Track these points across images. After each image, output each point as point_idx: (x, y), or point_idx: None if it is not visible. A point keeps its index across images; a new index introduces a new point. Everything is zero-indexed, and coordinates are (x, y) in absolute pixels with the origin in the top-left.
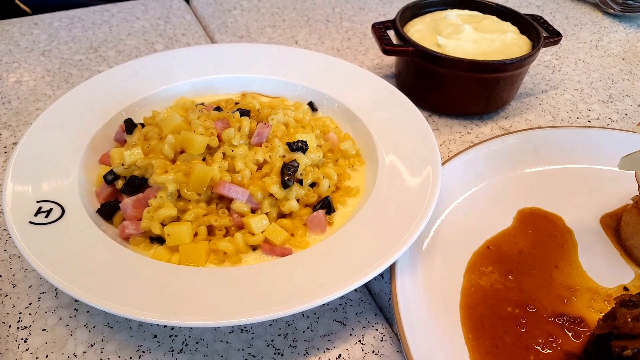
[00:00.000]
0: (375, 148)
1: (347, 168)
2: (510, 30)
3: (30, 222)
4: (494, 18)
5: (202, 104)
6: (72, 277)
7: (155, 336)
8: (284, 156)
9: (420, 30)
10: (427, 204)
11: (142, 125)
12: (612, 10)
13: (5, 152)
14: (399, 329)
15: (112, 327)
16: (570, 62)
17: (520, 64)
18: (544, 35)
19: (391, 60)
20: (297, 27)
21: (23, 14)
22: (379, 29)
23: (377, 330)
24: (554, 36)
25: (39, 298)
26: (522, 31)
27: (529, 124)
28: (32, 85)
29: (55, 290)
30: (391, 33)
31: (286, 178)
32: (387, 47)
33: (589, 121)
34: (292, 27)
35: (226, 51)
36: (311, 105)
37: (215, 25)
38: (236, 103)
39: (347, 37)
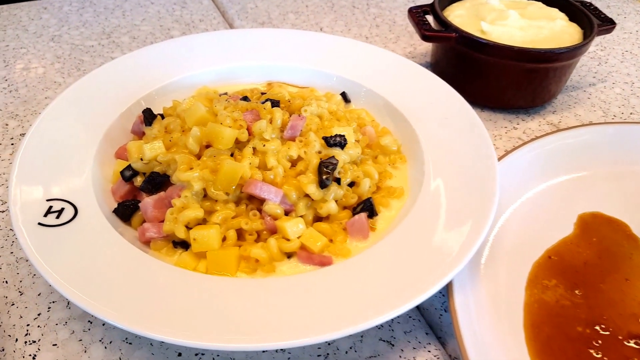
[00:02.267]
0: (418, 143)
1: (387, 166)
2: (559, 17)
3: (40, 224)
4: (539, 4)
5: (226, 93)
6: (85, 288)
7: (180, 354)
8: (319, 152)
9: (461, 16)
10: (487, 209)
11: (162, 116)
12: None
13: (12, 144)
14: (462, 353)
15: (130, 343)
16: (617, 54)
17: (573, 53)
18: (597, 22)
19: (425, 48)
20: (322, 13)
21: None
22: (417, 14)
23: (429, 352)
24: (607, 24)
25: (49, 308)
26: (571, 18)
27: (579, 119)
28: (41, 72)
29: (67, 299)
30: (429, 19)
31: (324, 177)
32: (427, 33)
33: None
34: (316, 13)
35: (250, 37)
36: (344, 96)
37: (235, 10)
38: (262, 93)
39: (376, 24)
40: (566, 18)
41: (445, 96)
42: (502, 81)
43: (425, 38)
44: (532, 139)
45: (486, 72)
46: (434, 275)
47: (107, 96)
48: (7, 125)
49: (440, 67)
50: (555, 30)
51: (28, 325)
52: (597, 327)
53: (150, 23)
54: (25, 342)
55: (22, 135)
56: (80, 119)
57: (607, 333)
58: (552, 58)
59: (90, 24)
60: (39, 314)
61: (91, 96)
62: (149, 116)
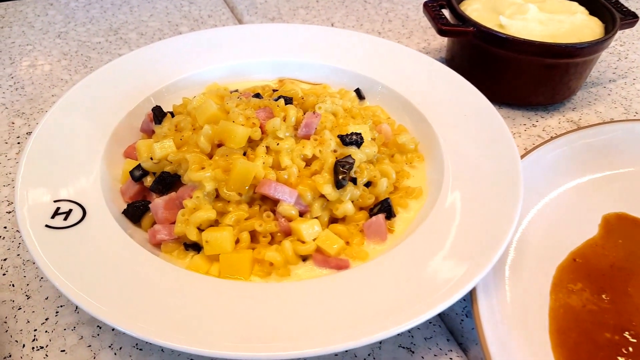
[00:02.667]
0: (436, 141)
1: (404, 165)
2: (579, 11)
3: (47, 226)
4: None
5: (236, 90)
6: (94, 292)
7: None
8: (335, 151)
9: (478, 10)
10: (511, 211)
11: (172, 114)
12: None
13: (19, 143)
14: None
15: (141, 350)
16: (637, 49)
17: (596, 47)
18: (619, 16)
19: (439, 44)
20: (333, 8)
21: None
22: (433, 8)
23: (450, 359)
24: (630, 17)
25: (57, 312)
26: (591, 12)
27: (599, 116)
28: (47, 69)
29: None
30: (445, 13)
31: (340, 177)
32: (443, 27)
33: None
34: (327, 8)
35: (261, 32)
36: (358, 92)
37: (244, 6)
38: (274, 90)
39: (388, 19)
40: (586, 12)
41: (464, 93)
42: (521, 77)
43: (441, 32)
44: (553, 137)
45: (505, 67)
46: (458, 280)
47: (115, 94)
48: (13, 123)
49: (456, 62)
50: (575, 24)
51: (35, 330)
52: (626, 334)
53: (158, 19)
54: (33, 347)
55: (29, 133)
56: (88, 117)
57: (637, 340)
58: (574, 53)
59: (97, 20)
60: (46, 319)
61: (99, 94)
62: (158, 114)
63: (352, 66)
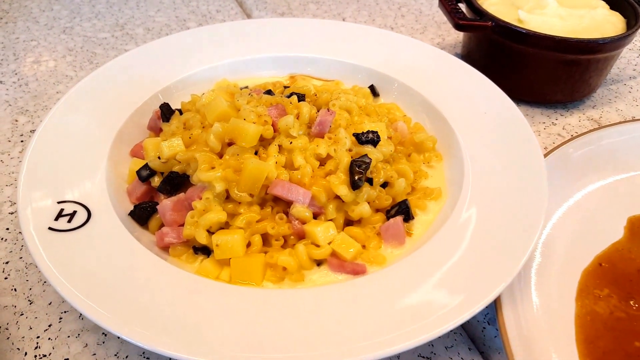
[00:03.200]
0: (455, 140)
1: (421, 164)
2: (600, 6)
3: (50, 229)
4: None
5: (247, 87)
6: (99, 298)
7: None
8: (350, 150)
9: (496, 4)
10: (536, 214)
11: (180, 111)
12: None
13: (22, 142)
14: None
15: (148, 358)
16: None
17: (619, 43)
18: None
19: (454, 39)
20: (344, 3)
21: None
22: (449, 1)
23: None
24: None
25: (60, 318)
26: (612, 6)
27: (620, 114)
28: (52, 65)
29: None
30: (462, 7)
31: (357, 177)
32: (461, 22)
33: None
34: (338, 3)
35: (271, 27)
36: (372, 89)
37: (253, 0)
38: (285, 87)
39: (401, 14)
40: (607, 7)
41: (483, 89)
42: (540, 74)
43: (458, 27)
44: (575, 137)
45: (524, 63)
46: (482, 288)
47: (121, 90)
48: (16, 121)
49: (472, 59)
50: (596, 19)
51: (38, 337)
52: None
53: (166, 14)
54: (35, 356)
55: (32, 131)
56: (93, 114)
57: None
58: (596, 49)
59: (103, 15)
60: (49, 325)
61: (104, 90)
62: (166, 111)
63: (366, 62)
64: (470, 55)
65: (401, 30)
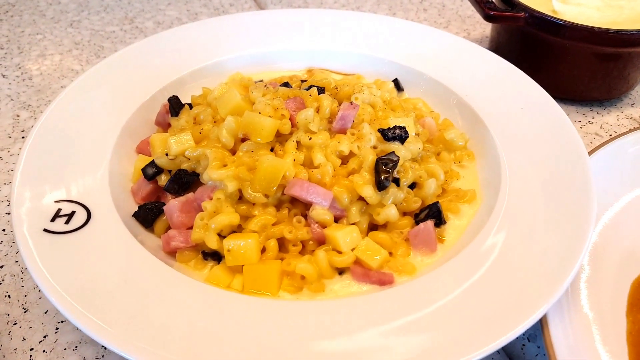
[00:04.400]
0: (490, 138)
1: (452, 164)
2: None
3: (45, 230)
4: None
5: (261, 81)
6: (98, 310)
7: None
8: (375, 147)
9: None
10: (584, 221)
11: (190, 105)
12: None
13: (23, 138)
14: None
15: None
16: None
17: None
18: None
19: (480, 34)
20: None
21: None
22: None
23: None
24: None
25: (57, 329)
26: None
27: None
28: (57, 59)
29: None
30: None
31: (383, 177)
32: (491, 13)
33: None
34: None
35: (287, 18)
36: (396, 83)
37: None
38: (302, 81)
39: (423, 8)
40: None
41: (518, 83)
42: (576, 69)
43: (488, 18)
44: (615, 137)
45: (559, 57)
46: (525, 304)
47: (128, 83)
48: (18, 116)
49: (501, 54)
50: (637, 10)
51: (32, 349)
52: None
53: (177, 7)
54: None
55: None
56: (98, 108)
57: None
58: (639, 41)
59: (112, 8)
60: (45, 336)
61: (110, 83)
62: (175, 105)
63: (389, 54)
64: (499, 50)
65: (424, 24)
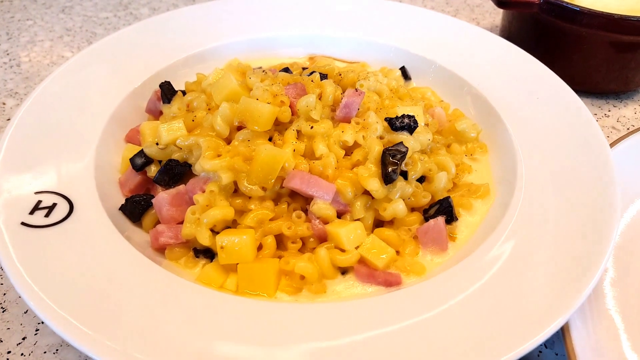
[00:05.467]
0: (504, 129)
1: (464, 157)
2: None
3: (23, 224)
4: None
5: (260, 68)
6: (78, 312)
7: None
8: (382, 137)
9: None
10: (607, 216)
11: (183, 92)
12: None
13: None
14: None
15: None
16: None
17: None
18: None
19: (489, 23)
20: None
21: None
22: None
23: None
24: None
25: (37, 330)
26: None
27: None
28: (47, 46)
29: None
30: None
31: (390, 169)
32: None
33: None
34: None
35: (288, 2)
36: (403, 71)
37: None
38: (303, 68)
39: None
40: None
41: (533, 72)
42: (592, 58)
43: (501, 5)
44: (634, 130)
45: (574, 47)
46: (545, 310)
47: (118, 69)
48: (4, 104)
49: (515, 42)
50: None
51: (9, 352)
52: None
53: None
54: None
55: None
56: (85, 94)
57: None
58: None
59: None
60: (23, 338)
61: (99, 68)
62: (167, 91)
63: (396, 41)
64: (511, 38)
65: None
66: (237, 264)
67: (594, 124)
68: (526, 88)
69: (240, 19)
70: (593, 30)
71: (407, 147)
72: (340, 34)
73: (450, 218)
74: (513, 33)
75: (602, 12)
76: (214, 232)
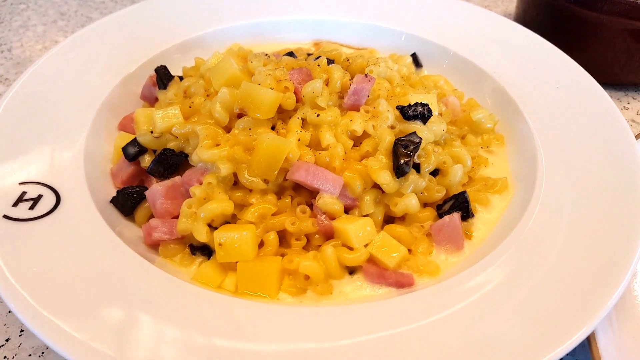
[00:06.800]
0: (522, 119)
1: (479, 149)
2: None
3: (5, 217)
4: None
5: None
6: (64, 312)
7: None
8: (393, 127)
9: None
10: (636, 217)
11: (181, 78)
12: None
13: None
14: None
15: None
16: None
17: None
18: None
19: (502, 11)
20: None
21: None
22: None
23: None
24: None
25: (22, 331)
26: None
27: None
28: (40, 30)
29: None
30: None
31: (402, 161)
32: None
33: None
34: None
35: None
36: (415, 58)
37: None
38: (309, 54)
39: None
40: None
41: (553, 60)
42: (612, 48)
43: None
44: None
45: (593, 35)
46: (569, 317)
47: (112, 53)
48: None
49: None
50: None
51: None
52: None
53: None
54: None
55: None
56: (76, 79)
57: None
58: None
59: None
60: (7, 340)
61: (92, 52)
62: (163, 76)
63: (406, 26)
64: (526, 26)
65: None
66: (237, 262)
67: (619, 116)
68: (545, 76)
69: (241, 1)
70: (613, 17)
71: (420, 138)
72: (347, 18)
73: (466, 214)
74: (528, 21)
75: None
76: (212, 227)
